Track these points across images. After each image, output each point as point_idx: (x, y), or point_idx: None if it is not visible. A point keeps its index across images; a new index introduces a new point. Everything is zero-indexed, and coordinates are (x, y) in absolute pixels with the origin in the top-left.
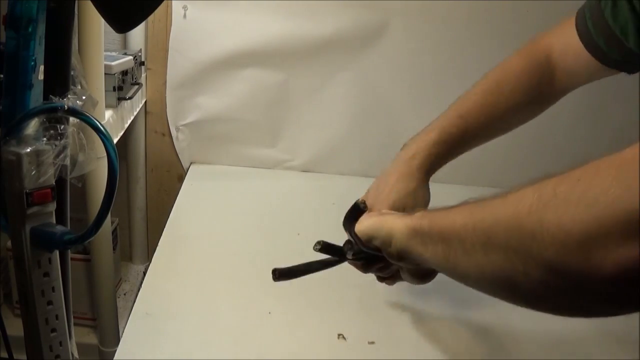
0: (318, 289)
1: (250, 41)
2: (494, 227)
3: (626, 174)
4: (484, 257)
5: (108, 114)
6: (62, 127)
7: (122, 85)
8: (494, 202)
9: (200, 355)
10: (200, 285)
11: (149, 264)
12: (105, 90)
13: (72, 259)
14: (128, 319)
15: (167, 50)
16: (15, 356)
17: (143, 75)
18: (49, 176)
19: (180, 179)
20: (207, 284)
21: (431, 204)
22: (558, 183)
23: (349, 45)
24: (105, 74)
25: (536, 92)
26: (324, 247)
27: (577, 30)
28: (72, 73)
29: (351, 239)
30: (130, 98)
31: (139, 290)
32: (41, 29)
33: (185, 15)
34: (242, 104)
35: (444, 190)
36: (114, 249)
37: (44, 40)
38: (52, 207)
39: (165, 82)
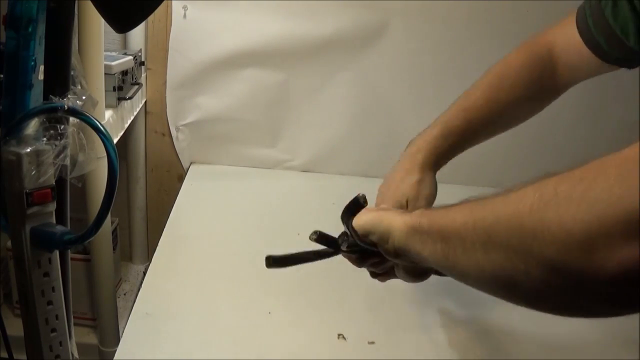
0: (318, 289)
1: (250, 41)
2: (494, 225)
3: (628, 173)
4: (484, 255)
5: (108, 114)
6: (62, 127)
7: (122, 85)
8: (494, 200)
9: (200, 355)
10: (200, 285)
11: (149, 264)
12: (105, 90)
13: (72, 259)
14: (128, 319)
15: (167, 50)
16: (15, 356)
17: (143, 75)
18: (49, 176)
19: (180, 179)
20: (207, 284)
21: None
22: (559, 182)
23: (349, 45)
24: (105, 74)
25: (538, 87)
26: (320, 237)
27: (578, 27)
28: (72, 73)
29: (347, 231)
30: (130, 98)
31: (139, 290)
32: (41, 29)
33: (185, 15)
34: (242, 104)
35: (444, 190)
36: (114, 249)
37: (44, 40)
38: (52, 207)
39: (165, 82)
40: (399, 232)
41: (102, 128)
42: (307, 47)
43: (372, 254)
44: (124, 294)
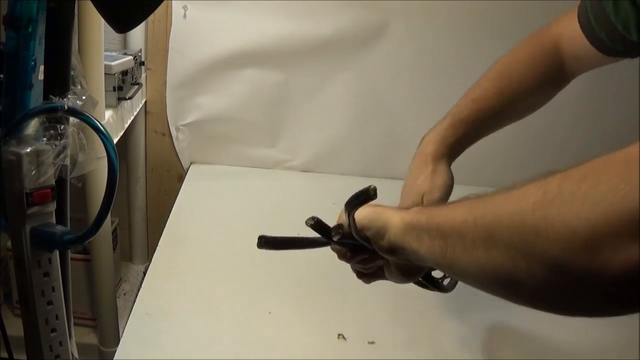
0: (318, 289)
1: (250, 41)
2: (495, 223)
3: (633, 171)
4: (484, 253)
5: (108, 114)
6: (62, 127)
7: (122, 85)
8: (495, 198)
9: (200, 355)
10: (200, 285)
11: (149, 264)
12: (105, 90)
13: (72, 259)
14: (128, 319)
15: (167, 50)
16: (15, 356)
17: (143, 75)
18: (49, 176)
19: (180, 179)
20: (207, 284)
21: None
22: (563, 180)
23: (349, 45)
24: (105, 74)
25: (546, 76)
26: (316, 223)
27: (580, 23)
28: (72, 73)
29: (348, 221)
30: (130, 98)
31: (139, 290)
32: (41, 29)
33: (185, 15)
34: (242, 104)
35: None
36: (114, 249)
37: (44, 40)
38: (52, 207)
39: (165, 82)
40: (395, 228)
41: (102, 128)
42: (307, 47)
43: (363, 249)
44: (124, 294)
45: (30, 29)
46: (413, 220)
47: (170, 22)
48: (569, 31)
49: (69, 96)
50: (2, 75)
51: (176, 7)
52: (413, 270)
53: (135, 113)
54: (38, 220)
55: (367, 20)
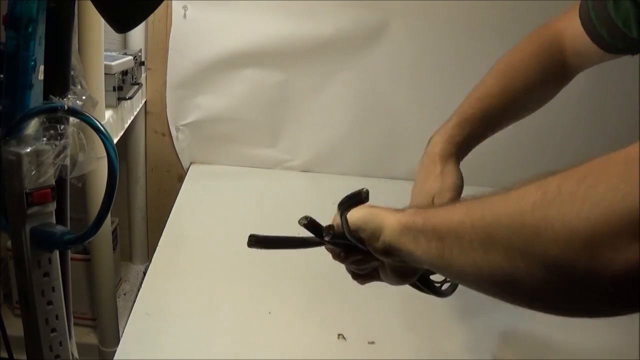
0: (318, 289)
1: (250, 41)
2: (494, 224)
3: (633, 171)
4: (482, 255)
5: (108, 114)
6: (62, 127)
7: (122, 85)
8: (493, 199)
9: (200, 355)
10: (200, 285)
11: (149, 264)
12: (105, 90)
13: (72, 259)
14: (128, 319)
15: (167, 50)
16: (15, 356)
17: (143, 75)
18: (49, 176)
19: (180, 179)
20: (207, 284)
21: None
22: (563, 180)
23: (349, 45)
24: (105, 74)
25: (550, 73)
26: (309, 222)
27: (581, 20)
28: (72, 73)
29: (340, 222)
30: (130, 98)
31: (139, 290)
32: (41, 29)
33: (185, 15)
34: (242, 104)
35: None
36: (114, 249)
37: (44, 40)
38: (52, 207)
39: (165, 82)
40: (390, 229)
41: (102, 128)
42: (307, 47)
43: (356, 249)
44: (124, 294)
45: (30, 29)
46: (409, 221)
47: (170, 22)
48: (571, 28)
49: (69, 96)
50: (2, 75)
51: (176, 7)
52: (408, 272)
53: (135, 113)
54: (38, 220)
55: (367, 20)
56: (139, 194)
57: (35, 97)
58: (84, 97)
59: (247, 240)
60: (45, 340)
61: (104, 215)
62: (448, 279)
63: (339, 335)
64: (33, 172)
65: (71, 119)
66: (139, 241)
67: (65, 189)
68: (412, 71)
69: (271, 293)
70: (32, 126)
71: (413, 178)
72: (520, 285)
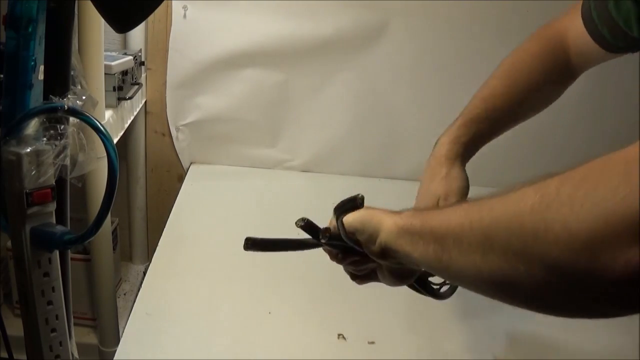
0: (318, 289)
1: (250, 41)
2: (492, 226)
3: (634, 172)
4: (481, 257)
5: (108, 114)
6: (62, 127)
7: (122, 85)
8: (492, 201)
9: (200, 355)
10: (200, 285)
11: (149, 264)
12: (105, 90)
13: (72, 259)
14: (128, 319)
15: (167, 50)
16: (15, 356)
17: (143, 75)
18: (49, 176)
19: (180, 179)
20: (207, 284)
21: None
22: (562, 182)
23: (349, 45)
24: (105, 74)
25: (554, 72)
26: (306, 224)
27: (583, 20)
28: (72, 73)
29: (337, 227)
30: (130, 98)
31: (139, 290)
32: (41, 29)
33: (185, 15)
34: (242, 104)
35: None
36: (114, 249)
37: (44, 40)
38: (52, 207)
39: (165, 82)
40: (387, 232)
41: (102, 128)
42: (307, 47)
43: (354, 251)
44: (124, 294)
45: (30, 29)
46: (406, 224)
47: (170, 22)
48: (573, 28)
49: (69, 96)
50: (2, 75)
51: (176, 7)
52: (406, 273)
53: (135, 113)
54: (38, 220)
55: (367, 20)
56: (139, 194)
57: (35, 97)
58: (84, 97)
59: (243, 244)
60: (45, 340)
61: (104, 215)
62: (447, 282)
63: (339, 335)
64: (33, 172)
65: (71, 119)
66: (139, 241)
67: (65, 189)
68: (412, 71)
69: (271, 293)
70: (32, 126)
71: (413, 178)
72: (519, 286)
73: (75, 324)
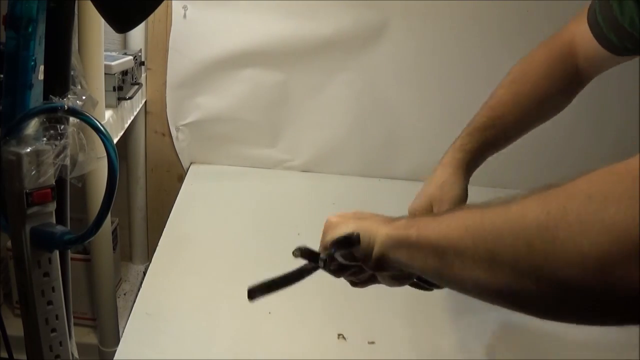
0: (318, 289)
1: (250, 41)
2: (498, 243)
3: (638, 190)
4: (486, 273)
5: (108, 114)
6: (62, 127)
7: (122, 85)
8: (493, 214)
9: (200, 355)
10: (200, 285)
11: (149, 264)
12: (105, 90)
13: (72, 259)
14: (128, 319)
15: (167, 50)
16: (15, 356)
17: (143, 75)
18: (49, 176)
19: (180, 179)
20: (207, 284)
21: None
22: (568, 200)
23: (349, 45)
24: (105, 74)
25: (561, 80)
26: (304, 253)
27: (589, 24)
28: (72, 73)
29: (336, 259)
30: (130, 98)
31: (139, 290)
32: (41, 29)
33: (185, 15)
34: (242, 104)
35: None
36: (114, 249)
37: (44, 40)
38: (52, 207)
39: (165, 82)
40: (382, 244)
41: (102, 128)
42: (307, 47)
43: (350, 266)
44: (124, 294)
45: (30, 29)
46: (401, 235)
47: (170, 22)
48: (580, 33)
49: (69, 96)
50: (2, 75)
51: (176, 7)
52: (405, 275)
53: (135, 113)
54: (38, 220)
55: (368, 20)
56: (139, 194)
57: (35, 97)
58: (84, 97)
59: (247, 296)
60: (45, 340)
61: (104, 215)
62: None
63: (339, 335)
64: (33, 172)
65: (71, 119)
66: (139, 241)
67: (65, 189)
68: (412, 71)
69: None
70: (32, 126)
71: (413, 178)
72: (528, 301)
73: (75, 324)
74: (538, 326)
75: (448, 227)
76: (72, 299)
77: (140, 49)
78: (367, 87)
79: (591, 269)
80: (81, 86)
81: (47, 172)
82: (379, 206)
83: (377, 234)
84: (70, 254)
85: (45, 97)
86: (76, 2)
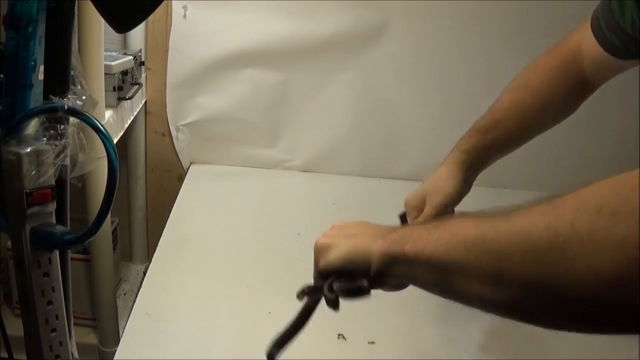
0: None
1: (250, 41)
2: (504, 260)
3: None
4: (493, 289)
5: (108, 114)
6: (62, 127)
7: (122, 85)
8: (494, 231)
9: (200, 355)
10: (200, 285)
11: (149, 264)
12: (105, 90)
13: (72, 259)
14: (128, 319)
15: (167, 50)
16: (15, 356)
17: (143, 75)
18: (49, 176)
19: (180, 179)
20: (207, 284)
21: None
22: (575, 214)
23: (349, 45)
24: (105, 74)
25: (566, 86)
26: (309, 292)
27: (592, 29)
28: (72, 73)
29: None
30: (130, 98)
31: (139, 290)
32: (41, 29)
33: (185, 15)
34: (242, 104)
35: None
36: (114, 249)
37: (44, 40)
38: (52, 207)
39: (165, 82)
40: (379, 261)
41: (102, 128)
42: (307, 47)
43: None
44: (124, 294)
45: (30, 29)
46: (397, 252)
47: (170, 22)
48: (585, 40)
49: (69, 96)
50: (2, 75)
51: (176, 7)
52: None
53: (135, 113)
54: (38, 220)
55: (368, 20)
56: (139, 194)
57: (35, 97)
58: (84, 97)
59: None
60: (45, 340)
61: (104, 215)
62: None
63: (339, 335)
64: (33, 172)
65: (71, 119)
66: (139, 241)
67: (65, 189)
68: (412, 71)
69: (271, 293)
70: (32, 126)
71: (413, 178)
72: (537, 314)
73: (75, 324)
74: (539, 327)
75: (447, 244)
76: (72, 299)
77: (140, 49)
78: (367, 87)
79: (604, 284)
80: (81, 86)
81: (47, 172)
82: (379, 206)
83: (372, 251)
84: (70, 254)
85: (45, 97)
86: (76, 2)
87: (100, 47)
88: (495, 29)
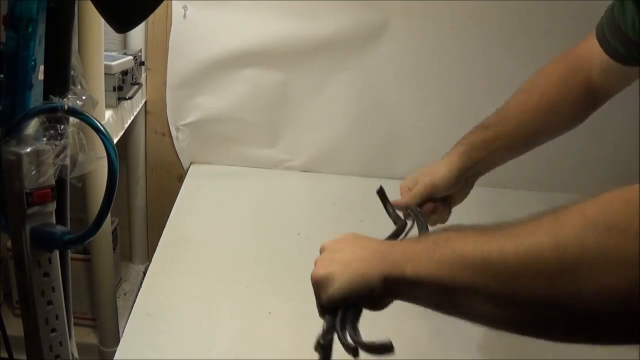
0: None
1: (250, 41)
2: (514, 281)
3: None
4: (502, 308)
5: (108, 114)
6: (62, 127)
7: (122, 85)
8: (499, 253)
9: (200, 355)
10: (200, 285)
11: (149, 264)
12: (105, 90)
13: (72, 259)
14: (128, 319)
15: (167, 50)
16: (15, 356)
17: (143, 75)
18: (49, 176)
19: (180, 179)
20: (207, 284)
21: None
22: (584, 233)
23: (349, 45)
24: (105, 74)
25: (571, 91)
26: (325, 344)
27: (597, 38)
28: (72, 73)
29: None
30: (130, 98)
31: (139, 290)
32: (41, 29)
33: (185, 15)
34: (242, 104)
35: None
36: (114, 249)
37: (44, 40)
38: (52, 207)
39: (165, 82)
40: (382, 287)
41: (102, 128)
42: (307, 47)
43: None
44: (124, 294)
45: (30, 29)
46: (398, 275)
47: (170, 22)
48: (593, 47)
49: (69, 96)
50: (2, 75)
51: (176, 7)
52: None
53: (135, 113)
54: (38, 220)
55: (368, 20)
56: (139, 194)
57: (35, 97)
58: (84, 97)
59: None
60: (45, 340)
61: (104, 215)
62: None
63: None
64: (33, 172)
65: (71, 119)
66: (139, 241)
67: (65, 189)
68: (412, 71)
69: (271, 293)
70: (32, 126)
71: None
72: (548, 330)
73: (75, 324)
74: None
75: (450, 267)
76: (72, 299)
77: (140, 49)
78: (367, 87)
79: (616, 300)
80: (81, 86)
81: (47, 172)
82: (379, 206)
83: (373, 276)
84: (70, 254)
85: (45, 97)
86: (76, 2)
87: (100, 47)
88: (495, 29)
